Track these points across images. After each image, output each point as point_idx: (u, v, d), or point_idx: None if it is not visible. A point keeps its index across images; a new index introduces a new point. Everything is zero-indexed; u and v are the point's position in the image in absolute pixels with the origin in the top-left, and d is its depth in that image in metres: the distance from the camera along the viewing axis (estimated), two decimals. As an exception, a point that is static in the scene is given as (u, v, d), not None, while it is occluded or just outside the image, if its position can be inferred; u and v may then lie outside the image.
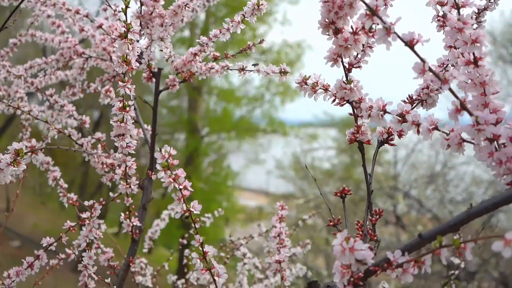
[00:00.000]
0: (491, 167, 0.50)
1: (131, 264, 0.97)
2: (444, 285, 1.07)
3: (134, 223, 0.95)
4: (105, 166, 1.00)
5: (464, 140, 0.54)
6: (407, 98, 0.68)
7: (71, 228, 0.90)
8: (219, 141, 12.05)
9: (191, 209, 0.62)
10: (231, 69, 0.95)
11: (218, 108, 11.94)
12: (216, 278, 0.63)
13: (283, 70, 0.81)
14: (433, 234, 0.50)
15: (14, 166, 0.66)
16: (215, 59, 0.98)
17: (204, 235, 1.32)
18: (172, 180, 0.60)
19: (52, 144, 1.10)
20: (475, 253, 6.30)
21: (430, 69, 0.50)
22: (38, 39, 1.26)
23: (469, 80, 0.54)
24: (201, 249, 0.64)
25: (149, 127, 1.07)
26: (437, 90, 0.66)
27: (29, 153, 0.65)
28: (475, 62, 0.53)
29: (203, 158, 11.53)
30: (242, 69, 0.93)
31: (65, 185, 1.08)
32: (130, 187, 0.89)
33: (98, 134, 1.04)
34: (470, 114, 0.50)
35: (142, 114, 1.10)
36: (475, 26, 0.71)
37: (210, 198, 9.64)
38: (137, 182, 0.90)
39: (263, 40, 0.98)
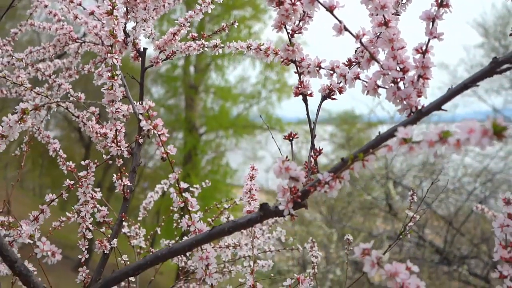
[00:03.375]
0: (395, 104, 0.65)
1: (123, 219, 1.11)
2: (400, 234, 1.22)
3: (125, 183, 1.09)
4: (98, 135, 1.14)
5: (378, 86, 0.68)
6: (347, 60, 0.82)
7: (70, 186, 1.04)
8: (216, 139, 12.19)
9: (168, 151, 0.76)
10: (206, 47, 1.09)
11: (215, 106, 12.08)
12: (190, 208, 0.77)
13: (249, 45, 0.94)
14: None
15: (21, 123, 0.80)
16: (193, 39, 1.12)
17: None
18: (152, 128, 0.74)
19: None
20: (466, 239, 6.45)
21: (345, 28, 0.64)
22: (37, 28, 1.39)
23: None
24: (177, 185, 0.78)
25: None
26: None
27: (33, 110, 0.78)
28: (386, 23, 0.67)
29: (201, 156, 11.66)
30: (215, 46, 1.07)
31: (64, 155, 1.22)
32: (120, 149, 1.03)
33: (92, 108, 1.18)
34: (378, 62, 0.64)
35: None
36: (404, 0, 0.85)
37: (209, 196, 9.77)
38: (127, 145, 1.04)
39: (235, 21, 1.12)
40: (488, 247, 6.33)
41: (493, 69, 0.58)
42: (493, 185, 7.18)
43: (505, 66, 0.58)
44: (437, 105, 0.60)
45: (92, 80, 1.29)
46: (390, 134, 0.63)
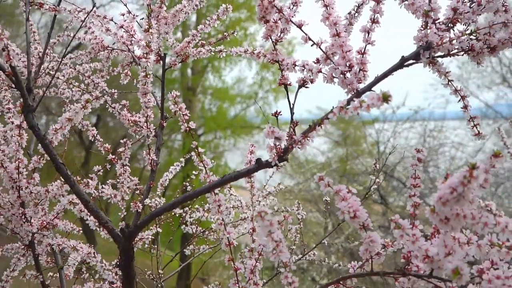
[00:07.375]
0: (343, 88, 0.97)
1: (151, 186, 1.43)
2: (366, 194, 1.54)
3: (153, 157, 1.42)
4: (130, 121, 1.46)
5: (333, 76, 1.00)
6: (316, 59, 1.14)
7: (113, 160, 1.37)
8: (215, 139, 12.50)
9: (190, 125, 1.08)
10: (213, 52, 1.42)
11: (213, 107, 12.39)
12: (205, 166, 1.10)
13: (246, 50, 1.27)
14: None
15: (84, 109, 1.12)
16: (202, 46, 1.45)
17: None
18: (178, 109, 1.07)
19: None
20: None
21: (309, 38, 0.97)
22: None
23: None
24: (196, 150, 1.10)
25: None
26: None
27: (94, 100, 1.11)
28: (338, 34, 1.00)
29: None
30: (220, 51, 1.40)
31: (101, 139, 1.55)
32: (150, 130, 1.35)
33: (124, 101, 1.50)
34: (331, 60, 0.97)
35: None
36: (356, 14, 1.18)
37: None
38: (154, 127, 1.37)
39: (234, 31, 1.45)
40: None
41: (402, 63, 0.91)
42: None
43: (410, 61, 0.91)
44: (367, 88, 0.93)
45: (109, 81, 1.62)
46: (336, 106, 0.96)
